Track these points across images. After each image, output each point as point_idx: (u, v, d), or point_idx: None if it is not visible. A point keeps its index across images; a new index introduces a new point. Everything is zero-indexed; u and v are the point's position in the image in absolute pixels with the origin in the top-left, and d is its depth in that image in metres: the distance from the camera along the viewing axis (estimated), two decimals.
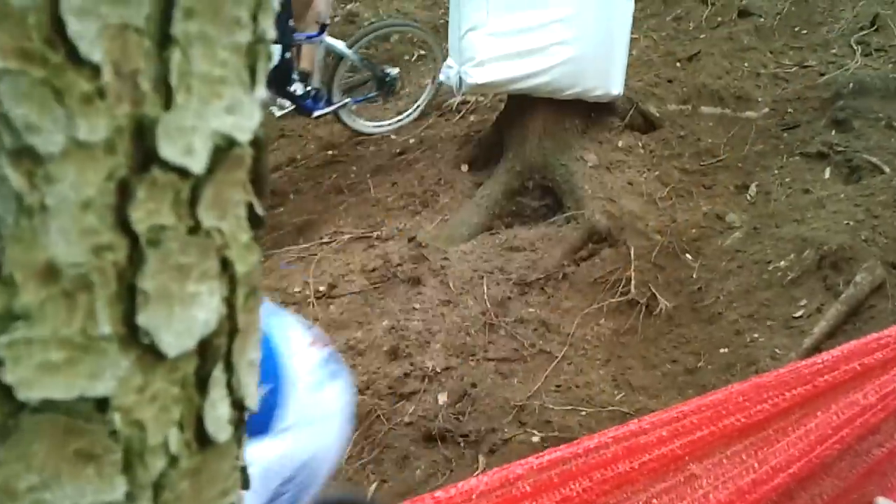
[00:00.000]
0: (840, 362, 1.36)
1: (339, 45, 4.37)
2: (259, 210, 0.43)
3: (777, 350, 2.79)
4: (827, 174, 3.52)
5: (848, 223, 3.10)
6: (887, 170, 3.41)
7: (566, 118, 3.91)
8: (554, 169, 3.83)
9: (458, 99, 4.66)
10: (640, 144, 3.94)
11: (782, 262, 2.99)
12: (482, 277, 3.42)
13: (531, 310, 3.27)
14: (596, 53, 3.67)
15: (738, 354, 2.85)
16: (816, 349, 2.64)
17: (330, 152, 4.85)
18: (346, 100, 4.52)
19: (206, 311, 0.41)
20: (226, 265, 0.42)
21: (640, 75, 4.28)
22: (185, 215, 0.39)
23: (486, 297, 3.31)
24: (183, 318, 0.40)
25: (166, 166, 0.37)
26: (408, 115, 4.78)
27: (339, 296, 3.48)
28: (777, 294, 2.90)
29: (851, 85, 3.99)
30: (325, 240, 3.96)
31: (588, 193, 3.64)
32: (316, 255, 3.82)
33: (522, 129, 3.96)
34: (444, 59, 4.13)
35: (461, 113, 4.74)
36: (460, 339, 3.13)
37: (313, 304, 3.39)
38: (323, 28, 4.29)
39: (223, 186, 0.41)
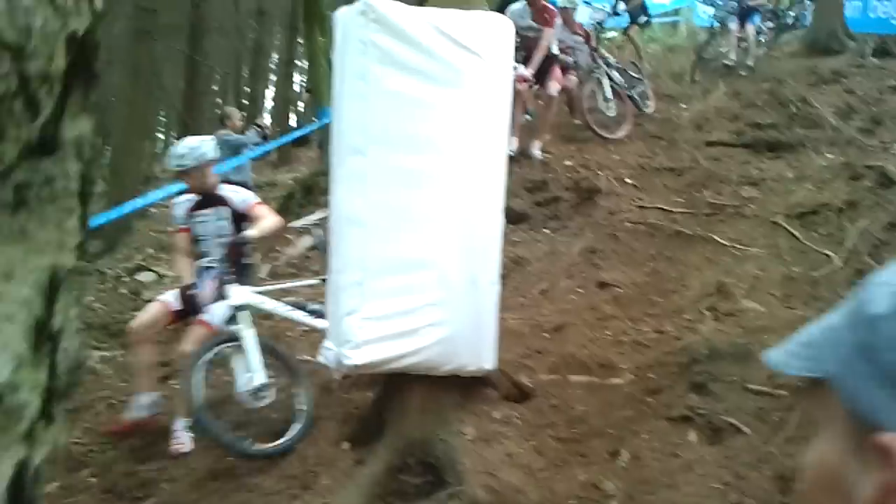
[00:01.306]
0: None
1: None
2: None
3: None
4: (692, 437, 3.67)
5: (717, 487, 3.19)
6: (748, 431, 3.59)
7: (443, 393, 3.99)
8: (434, 444, 3.83)
9: (338, 376, 4.70)
10: (515, 415, 4.03)
11: None
12: None
13: None
14: (466, 333, 3.85)
15: None
16: None
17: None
18: None
19: None
20: None
21: (511, 347, 4.47)
22: None
23: None
24: None
25: None
26: None
27: None
28: None
29: (705, 349, 4.28)
30: None
31: (468, 468, 3.64)
32: None
33: (401, 405, 4.00)
34: None
35: (341, 389, 4.77)
36: None
37: None
38: None
39: None
